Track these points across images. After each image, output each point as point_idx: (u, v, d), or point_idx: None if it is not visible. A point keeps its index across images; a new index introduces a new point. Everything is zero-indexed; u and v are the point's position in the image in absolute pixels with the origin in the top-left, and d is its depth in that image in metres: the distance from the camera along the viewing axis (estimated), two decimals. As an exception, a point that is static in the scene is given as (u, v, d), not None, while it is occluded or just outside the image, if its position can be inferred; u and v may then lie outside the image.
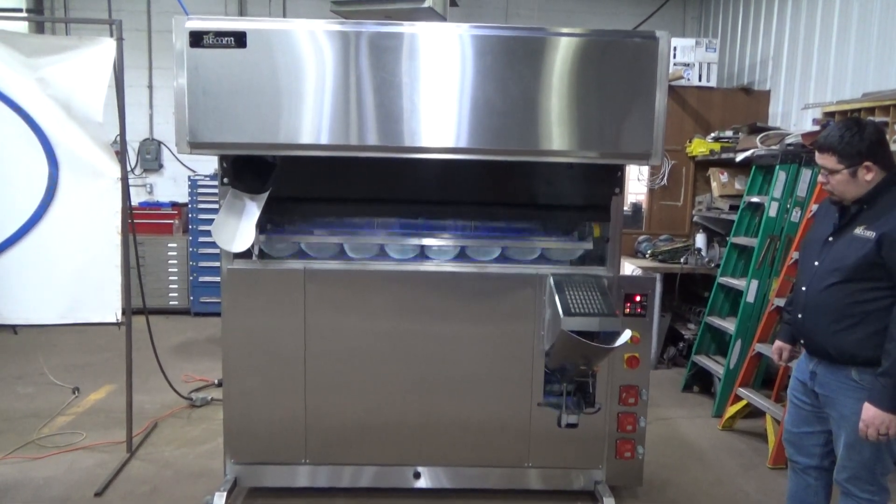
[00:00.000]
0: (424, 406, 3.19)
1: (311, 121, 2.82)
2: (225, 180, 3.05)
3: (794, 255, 4.08)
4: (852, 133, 2.36)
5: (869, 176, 2.36)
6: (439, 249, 3.32)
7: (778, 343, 2.88)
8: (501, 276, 3.14)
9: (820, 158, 2.45)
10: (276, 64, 2.77)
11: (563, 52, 2.81)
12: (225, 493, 3.10)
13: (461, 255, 3.32)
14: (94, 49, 3.46)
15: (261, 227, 3.08)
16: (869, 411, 2.31)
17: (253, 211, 3.02)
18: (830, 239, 2.49)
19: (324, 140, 2.83)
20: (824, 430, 2.59)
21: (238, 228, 2.98)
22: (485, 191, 3.29)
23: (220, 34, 2.73)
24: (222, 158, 3.04)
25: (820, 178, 2.52)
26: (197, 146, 2.83)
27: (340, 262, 3.21)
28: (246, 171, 3.06)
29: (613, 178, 3.13)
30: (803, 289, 2.55)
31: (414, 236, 3.37)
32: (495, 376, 3.18)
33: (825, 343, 2.46)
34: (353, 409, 3.18)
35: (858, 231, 2.38)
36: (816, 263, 2.51)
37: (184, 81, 2.77)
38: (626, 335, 2.73)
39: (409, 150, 2.86)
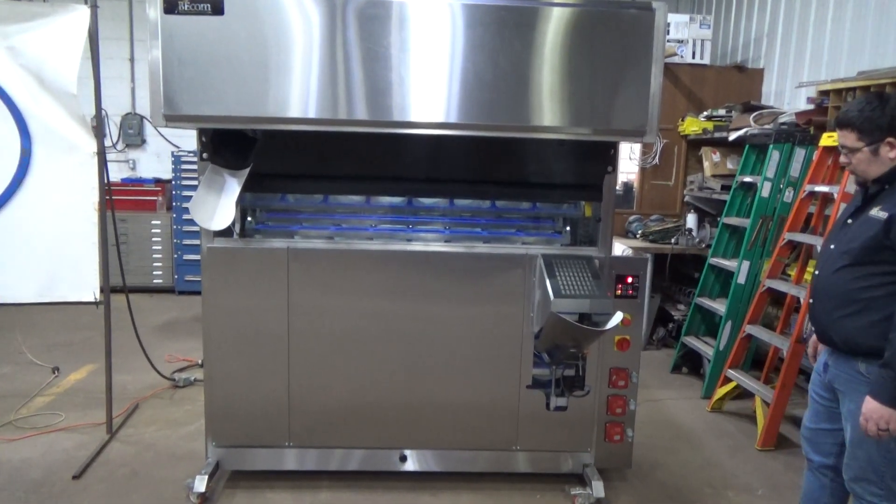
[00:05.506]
0: (411, 388, 3.13)
1: (293, 93, 2.71)
2: (204, 155, 2.94)
3: (787, 235, 4.04)
4: (873, 107, 2.18)
5: (893, 153, 2.18)
6: (427, 228, 3.24)
7: (813, 338, 2.64)
8: (490, 257, 3.06)
9: (839, 136, 2.28)
10: (256, 32, 2.65)
11: (556, 23, 2.71)
12: (206, 477, 3.03)
13: (449, 235, 3.25)
14: (67, 17, 3.34)
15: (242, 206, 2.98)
16: (869, 405, 2.16)
17: (233, 187, 2.92)
18: (849, 221, 2.33)
19: (307, 113, 2.73)
20: (839, 429, 2.42)
21: (218, 205, 2.88)
22: (474, 168, 3.20)
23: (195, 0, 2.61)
24: (201, 132, 2.93)
25: (842, 160, 2.34)
26: (173, 119, 2.72)
27: (325, 242, 3.12)
28: (226, 145, 2.96)
29: (606, 155, 3.05)
30: (817, 273, 2.42)
31: (401, 215, 3.29)
32: (483, 358, 3.11)
33: (829, 329, 2.34)
34: (337, 391, 3.11)
35: (874, 212, 2.21)
36: (832, 247, 2.37)
37: (158, 51, 2.65)
38: (618, 317, 2.67)
39: (396, 124, 2.76)
